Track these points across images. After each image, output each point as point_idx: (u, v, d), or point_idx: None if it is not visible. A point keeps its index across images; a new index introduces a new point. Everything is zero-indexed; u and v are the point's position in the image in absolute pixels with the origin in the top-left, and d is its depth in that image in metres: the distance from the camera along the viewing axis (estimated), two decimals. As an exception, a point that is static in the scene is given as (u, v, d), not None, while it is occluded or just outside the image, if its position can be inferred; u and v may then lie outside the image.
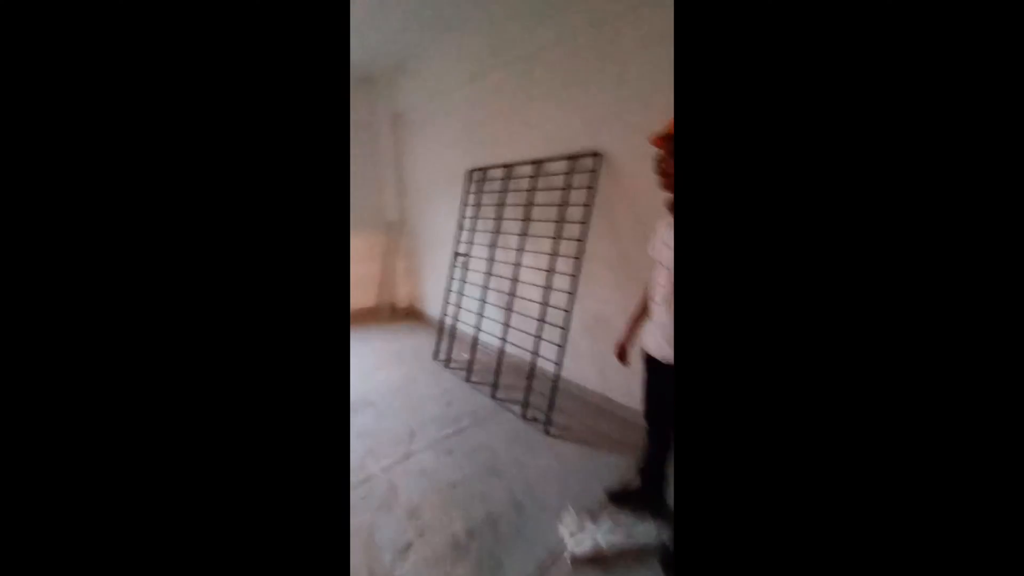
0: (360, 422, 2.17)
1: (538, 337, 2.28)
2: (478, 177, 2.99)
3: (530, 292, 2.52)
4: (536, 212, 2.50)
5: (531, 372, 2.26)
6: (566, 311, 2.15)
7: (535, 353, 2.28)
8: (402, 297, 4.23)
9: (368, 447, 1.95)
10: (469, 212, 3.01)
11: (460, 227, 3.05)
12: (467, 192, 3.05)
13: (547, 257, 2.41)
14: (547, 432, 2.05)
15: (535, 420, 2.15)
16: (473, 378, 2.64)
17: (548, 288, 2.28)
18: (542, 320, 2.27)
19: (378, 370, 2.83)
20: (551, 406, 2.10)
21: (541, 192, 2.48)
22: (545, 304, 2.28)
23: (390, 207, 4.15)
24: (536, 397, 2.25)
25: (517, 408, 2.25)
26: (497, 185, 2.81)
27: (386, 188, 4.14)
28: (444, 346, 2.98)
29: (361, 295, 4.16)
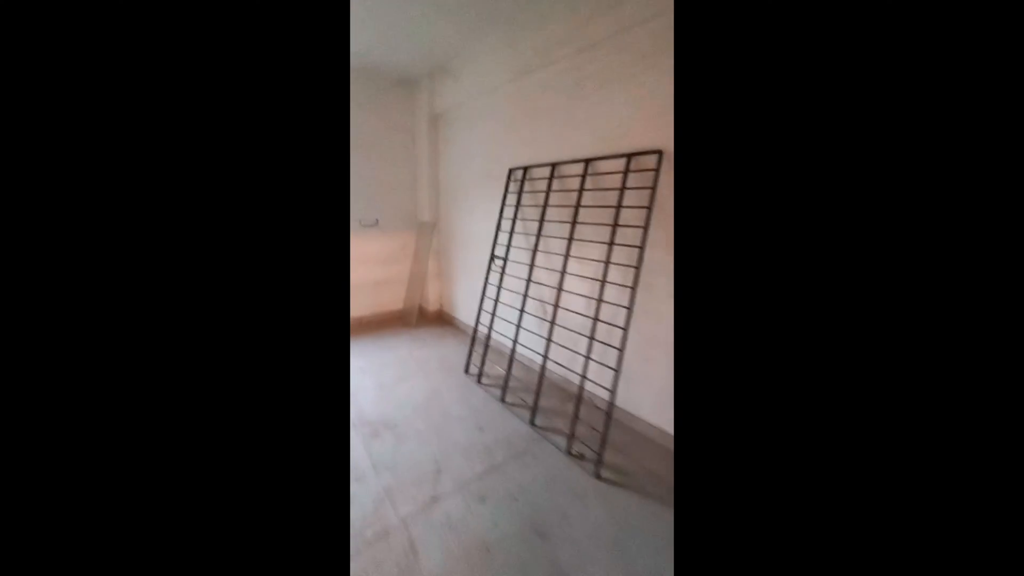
0: (379, 449, 1.84)
1: (587, 357, 1.88)
2: (519, 176, 2.65)
3: (577, 304, 2.13)
4: (585, 215, 2.13)
5: (578, 398, 1.86)
6: (623, 329, 1.76)
7: (583, 376, 1.88)
8: (432, 300, 3.94)
9: (387, 485, 1.60)
10: (508, 213, 2.67)
11: (498, 228, 2.71)
12: (507, 192, 2.72)
13: (598, 265, 2.03)
14: (598, 475, 1.65)
15: (582, 457, 1.75)
16: (508, 398, 2.26)
17: (599, 301, 1.89)
18: (592, 338, 1.88)
19: (401, 382, 2.51)
20: (603, 442, 1.70)
21: (590, 192, 2.11)
22: (595, 319, 1.89)
23: (424, 208, 3.89)
24: (583, 428, 1.86)
25: (561, 440, 1.86)
26: (541, 185, 2.46)
27: (421, 189, 3.90)
28: (476, 358, 2.64)
29: (389, 297, 3.90)
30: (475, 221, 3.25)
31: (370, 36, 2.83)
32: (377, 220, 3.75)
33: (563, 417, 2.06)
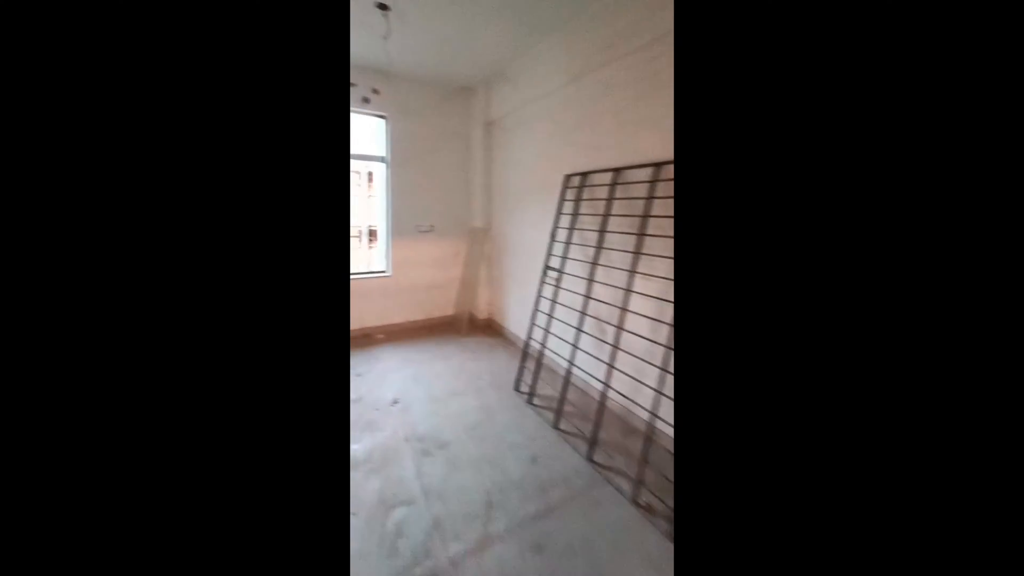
0: (429, 471, 1.74)
1: (658, 392, 1.64)
2: (576, 182, 2.44)
3: (642, 326, 1.87)
4: (654, 226, 1.87)
5: (647, 437, 1.62)
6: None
7: (652, 413, 1.64)
8: (482, 308, 3.84)
9: (436, 516, 1.48)
10: (564, 222, 2.47)
11: (552, 237, 2.52)
12: (563, 199, 2.52)
13: (668, 284, 1.77)
14: (674, 537, 1.41)
15: (651, 510, 1.50)
16: (563, 424, 2.07)
17: (672, 325, 1.63)
18: (663, 369, 1.63)
19: (452, 397, 2.41)
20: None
21: (661, 201, 1.85)
22: (668, 347, 1.63)
23: (477, 214, 3.80)
24: (652, 474, 1.62)
25: (625, 485, 1.63)
26: (601, 192, 2.23)
27: (475, 195, 3.82)
28: (527, 375, 2.47)
29: (440, 303, 3.86)
30: (528, 229, 3.08)
31: (428, 47, 2.77)
32: (432, 225, 3.73)
33: (625, 455, 1.83)
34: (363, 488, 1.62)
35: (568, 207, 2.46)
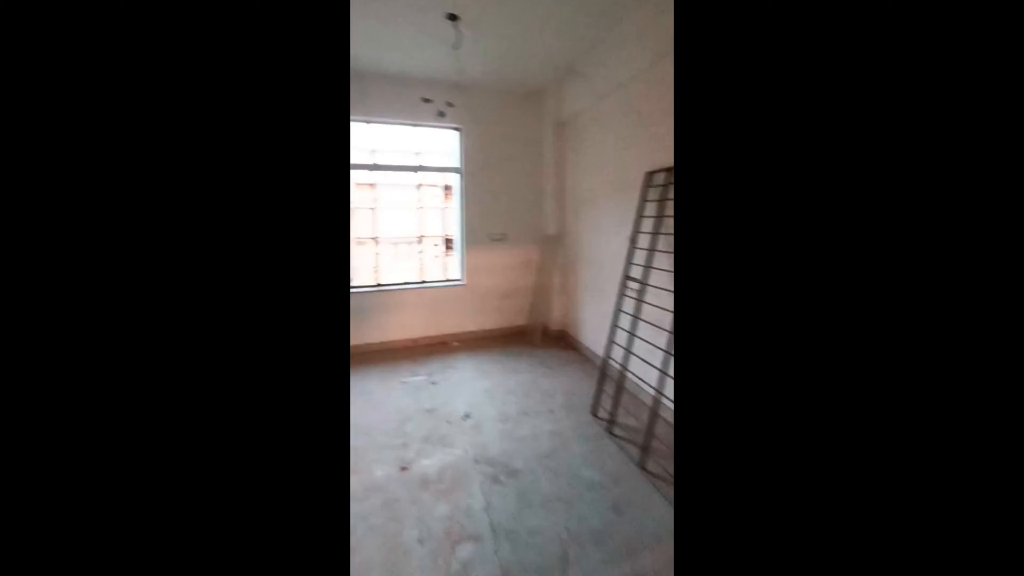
0: (499, 503, 1.59)
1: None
2: (661, 180, 2.10)
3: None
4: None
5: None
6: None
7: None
8: (555, 319, 3.64)
9: (505, 562, 1.30)
10: (646, 226, 2.15)
11: (632, 244, 2.21)
12: (644, 200, 2.19)
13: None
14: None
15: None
16: (650, 465, 1.76)
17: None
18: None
19: (525, 417, 2.25)
20: None
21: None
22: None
23: (550, 220, 3.61)
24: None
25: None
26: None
27: (547, 201, 3.64)
28: (606, 400, 2.20)
29: (512, 313, 3.75)
30: (604, 235, 2.79)
31: (497, 52, 2.66)
32: (504, 234, 3.64)
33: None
34: (431, 513, 1.54)
35: (650, 209, 2.13)
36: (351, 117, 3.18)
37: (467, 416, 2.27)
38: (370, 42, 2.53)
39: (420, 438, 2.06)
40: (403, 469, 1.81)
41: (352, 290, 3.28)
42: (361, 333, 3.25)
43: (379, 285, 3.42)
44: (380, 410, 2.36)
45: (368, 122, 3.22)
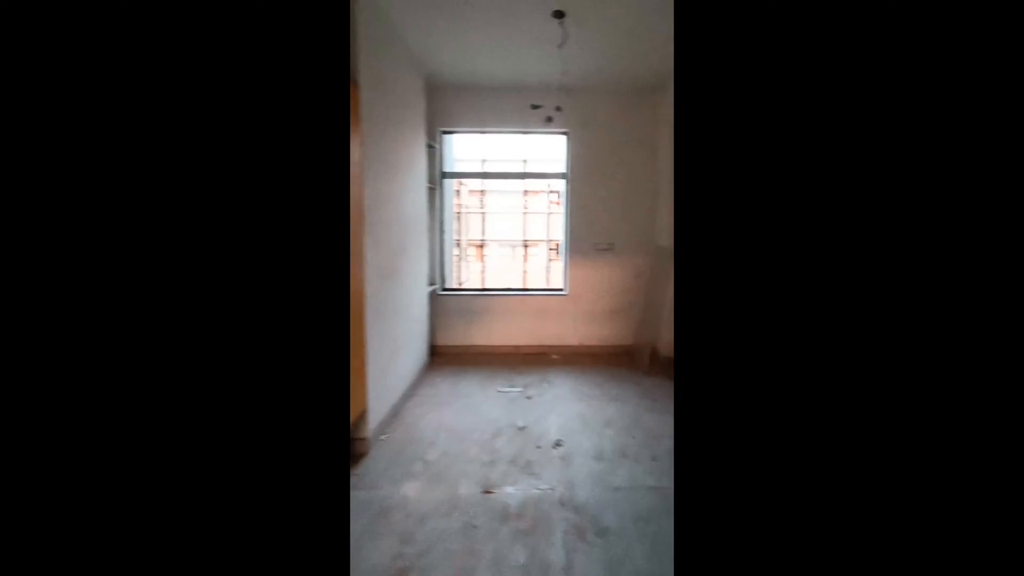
0: (582, 567, 1.35)
1: None
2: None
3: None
4: None
5: None
6: None
7: None
8: (667, 343, 3.15)
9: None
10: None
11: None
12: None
13: None
14: None
15: None
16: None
17: None
18: None
19: (623, 460, 1.94)
20: None
21: None
22: None
23: (664, 231, 3.14)
24: None
25: None
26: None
27: (660, 210, 3.17)
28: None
29: (617, 331, 3.38)
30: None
31: (606, 49, 2.37)
32: (612, 244, 3.31)
33: None
34: (507, 559, 1.41)
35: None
36: (466, 128, 3.29)
37: (558, 444, 2.09)
38: (481, 55, 2.53)
39: (507, 459, 1.97)
40: (486, 492, 1.74)
41: (461, 292, 3.42)
42: (468, 335, 3.36)
43: (485, 289, 3.49)
44: (475, 416, 2.36)
45: (482, 132, 3.29)
